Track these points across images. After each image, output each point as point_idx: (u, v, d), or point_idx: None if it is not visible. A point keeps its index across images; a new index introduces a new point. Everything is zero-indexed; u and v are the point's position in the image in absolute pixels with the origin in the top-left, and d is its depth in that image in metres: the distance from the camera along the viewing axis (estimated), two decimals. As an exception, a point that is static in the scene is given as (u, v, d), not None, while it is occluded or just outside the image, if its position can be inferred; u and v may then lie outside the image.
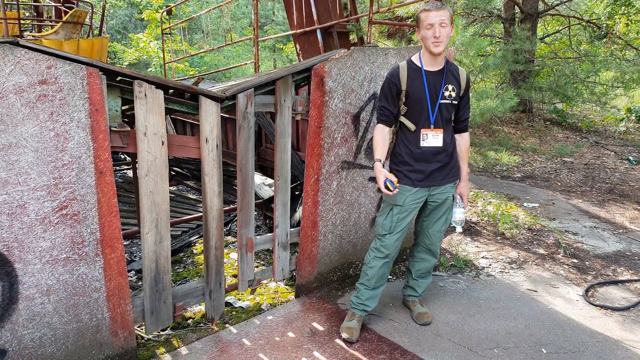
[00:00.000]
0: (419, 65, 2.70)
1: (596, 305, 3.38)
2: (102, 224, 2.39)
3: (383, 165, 2.68)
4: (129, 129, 2.48)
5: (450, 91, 2.70)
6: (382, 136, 2.77)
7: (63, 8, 7.88)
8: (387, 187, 2.64)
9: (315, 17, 5.88)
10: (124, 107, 2.83)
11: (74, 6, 7.84)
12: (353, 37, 6.56)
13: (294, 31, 6.32)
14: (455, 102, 2.75)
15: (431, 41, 2.57)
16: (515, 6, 10.50)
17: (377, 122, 2.81)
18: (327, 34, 6.02)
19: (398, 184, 2.71)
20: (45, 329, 2.32)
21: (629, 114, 9.04)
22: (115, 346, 2.58)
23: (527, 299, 3.47)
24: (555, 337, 2.99)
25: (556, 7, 11.39)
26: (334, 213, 3.44)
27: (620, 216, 5.36)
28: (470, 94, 5.69)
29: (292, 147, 4.49)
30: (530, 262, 4.11)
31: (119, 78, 2.42)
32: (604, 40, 11.04)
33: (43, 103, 2.10)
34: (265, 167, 5.73)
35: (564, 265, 4.05)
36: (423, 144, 2.73)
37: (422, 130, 2.72)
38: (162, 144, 2.55)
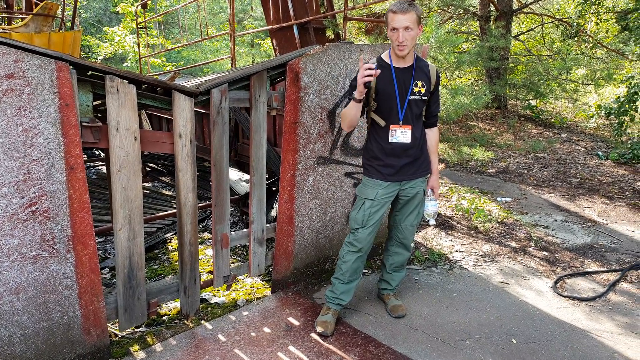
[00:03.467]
0: (388, 62, 2.73)
1: (564, 296, 3.48)
2: (73, 221, 2.36)
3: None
4: (100, 124, 2.45)
5: (419, 87, 2.74)
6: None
7: (34, 1, 7.69)
8: (368, 69, 2.42)
9: (291, 13, 5.87)
10: (96, 102, 2.79)
11: (45, -2, 7.65)
12: (330, 33, 6.57)
13: (270, 27, 6.30)
14: (425, 98, 2.79)
15: (395, 44, 2.59)
16: (490, 4, 10.66)
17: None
18: (304, 30, 6.01)
19: (370, 179, 2.75)
20: (14, 327, 2.28)
21: (598, 111, 9.29)
22: (87, 344, 2.55)
23: (498, 291, 3.55)
24: (525, 327, 3.07)
25: (530, 6, 11.60)
26: (310, 208, 3.46)
27: (589, 210, 5.51)
28: (446, 91, 5.77)
29: (269, 143, 4.48)
30: (502, 255, 4.20)
31: (90, 72, 2.39)
32: (576, 38, 11.30)
33: (10, 97, 2.06)
34: (242, 162, 5.71)
35: (535, 258, 4.16)
36: (392, 139, 2.77)
37: (391, 126, 2.76)
38: (135, 140, 2.53)
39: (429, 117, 2.94)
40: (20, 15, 7.91)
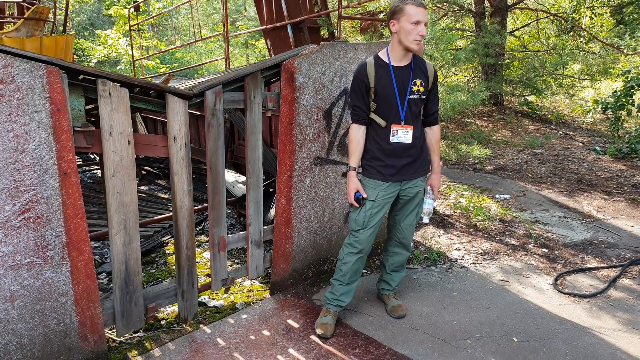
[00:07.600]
0: (387, 61, 2.70)
1: (565, 293, 3.46)
2: (67, 227, 2.32)
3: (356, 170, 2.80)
4: (93, 128, 2.41)
5: (418, 86, 2.70)
6: (357, 139, 2.78)
7: (25, 4, 7.63)
8: (356, 200, 2.78)
9: (285, 13, 5.84)
10: (88, 106, 2.76)
11: (37, 2, 7.61)
12: (324, 32, 6.54)
13: (264, 27, 6.26)
14: (424, 97, 2.76)
15: (414, 38, 2.54)
16: (485, 0, 10.64)
17: (352, 122, 2.80)
18: (298, 29, 5.98)
19: (370, 180, 2.74)
20: (9, 336, 2.25)
21: (595, 106, 9.27)
22: (84, 350, 2.52)
23: (499, 289, 3.53)
24: (526, 325, 3.05)
25: (525, 1, 11.59)
26: (308, 209, 3.43)
27: (588, 205, 5.50)
28: (442, 88, 5.75)
29: (265, 144, 4.44)
30: (502, 253, 4.18)
31: (81, 76, 2.36)
32: (571, 33, 11.30)
33: (0, 103, 2.03)
34: (239, 164, 5.67)
35: (535, 255, 4.14)
36: (393, 139, 2.73)
37: (392, 125, 2.72)
38: (129, 144, 2.50)
39: (427, 115, 2.89)
40: (12, 20, 7.85)
